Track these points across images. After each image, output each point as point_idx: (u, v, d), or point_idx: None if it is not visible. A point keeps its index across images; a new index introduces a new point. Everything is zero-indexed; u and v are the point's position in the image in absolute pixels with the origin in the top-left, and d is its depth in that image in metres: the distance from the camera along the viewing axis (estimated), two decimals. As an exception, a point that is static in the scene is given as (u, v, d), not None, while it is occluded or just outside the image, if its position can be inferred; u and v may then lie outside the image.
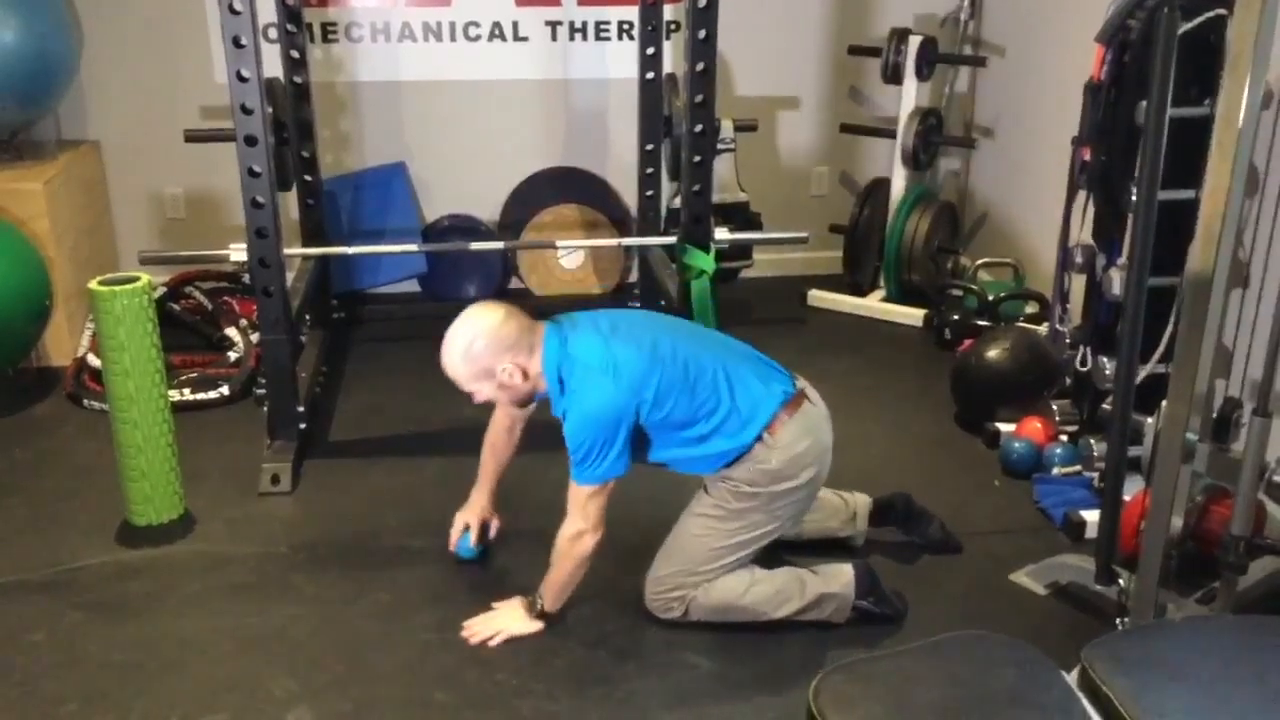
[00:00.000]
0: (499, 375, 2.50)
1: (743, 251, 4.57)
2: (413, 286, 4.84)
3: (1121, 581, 2.49)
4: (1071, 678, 1.80)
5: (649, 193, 4.45)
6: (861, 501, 2.94)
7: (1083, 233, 2.99)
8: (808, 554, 2.81)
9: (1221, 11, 2.61)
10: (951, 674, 1.78)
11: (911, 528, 2.94)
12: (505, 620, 2.63)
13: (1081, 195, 2.95)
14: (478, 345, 2.47)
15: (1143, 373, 2.84)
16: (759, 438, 2.53)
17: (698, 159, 3.55)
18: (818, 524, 2.89)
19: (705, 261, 3.62)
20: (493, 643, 2.59)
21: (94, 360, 3.83)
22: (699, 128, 3.51)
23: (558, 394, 2.51)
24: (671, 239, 3.84)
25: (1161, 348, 2.77)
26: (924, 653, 1.85)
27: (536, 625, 2.62)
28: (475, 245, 4.40)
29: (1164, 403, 2.33)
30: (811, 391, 2.68)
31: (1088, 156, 2.91)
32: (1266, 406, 2.23)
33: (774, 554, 2.74)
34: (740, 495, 2.56)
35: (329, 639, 2.63)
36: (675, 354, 2.52)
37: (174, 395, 3.67)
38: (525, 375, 2.51)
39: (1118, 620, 2.47)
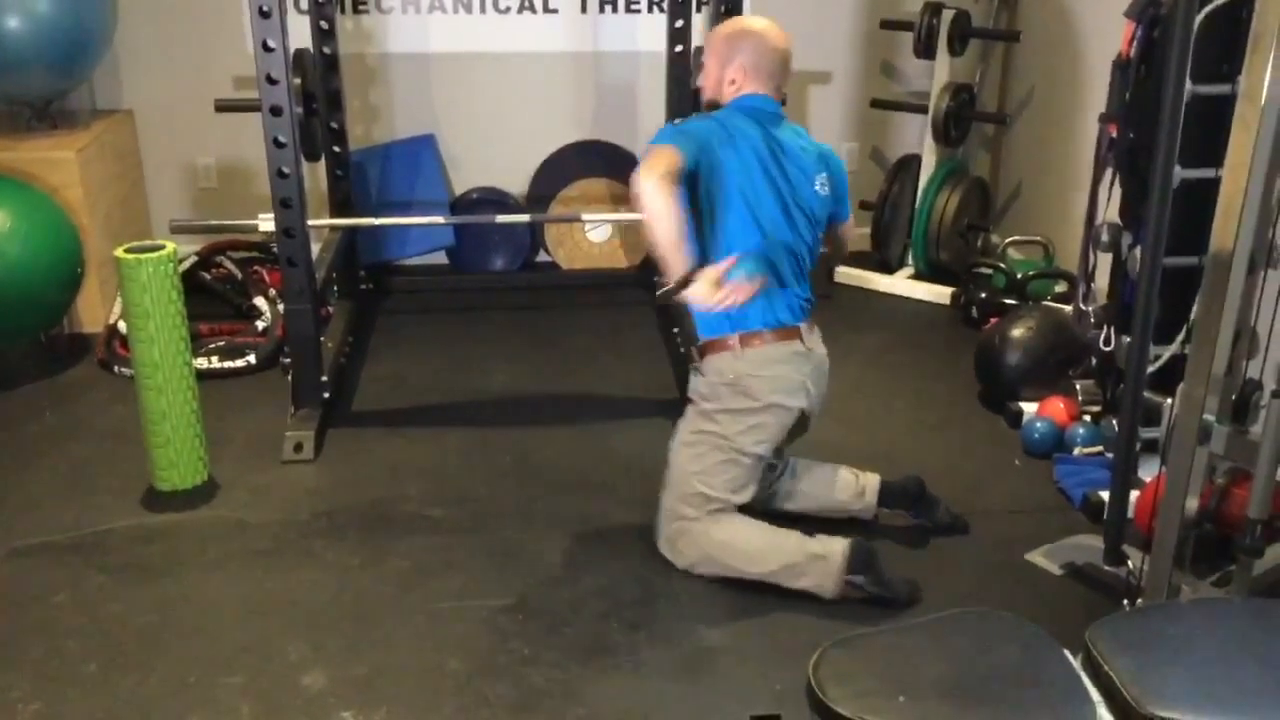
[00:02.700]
0: (727, 71, 2.70)
1: (770, 227, 4.54)
2: (440, 259, 4.86)
3: (1131, 563, 2.48)
4: (1077, 658, 1.79)
5: (676, 167, 4.43)
6: (872, 479, 2.94)
7: (1109, 211, 2.95)
8: (820, 529, 2.79)
9: (1254, -14, 2.56)
10: (953, 650, 1.77)
11: (920, 510, 2.94)
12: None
13: (1108, 173, 2.92)
14: (745, 41, 2.70)
15: (1166, 354, 2.81)
16: (731, 338, 2.64)
17: (722, 133, 3.54)
18: (827, 496, 2.91)
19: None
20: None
21: (124, 327, 3.87)
22: (723, 101, 3.49)
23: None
24: (696, 213, 3.82)
25: (1185, 329, 2.74)
26: (927, 629, 1.84)
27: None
28: (501, 218, 4.41)
29: (1181, 383, 2.30)
30: (813, 336, 2.73)
31: (1114, 133, 2.87)
32: (1287, 388, 2.20)
33: (782, 523, 2.76)
34: (703, 416, 2.71)
35: (345, 605, 2.67)
36: (774, 224, 2.63)
37: (201, 363, 3.73)
38: (736, 91, 2.70)
39: (1125, 601, 2.45)
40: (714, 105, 2.77)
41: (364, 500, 3.10)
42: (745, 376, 2.64)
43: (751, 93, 2.70)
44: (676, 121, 2.69)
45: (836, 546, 2.64)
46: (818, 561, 2.62)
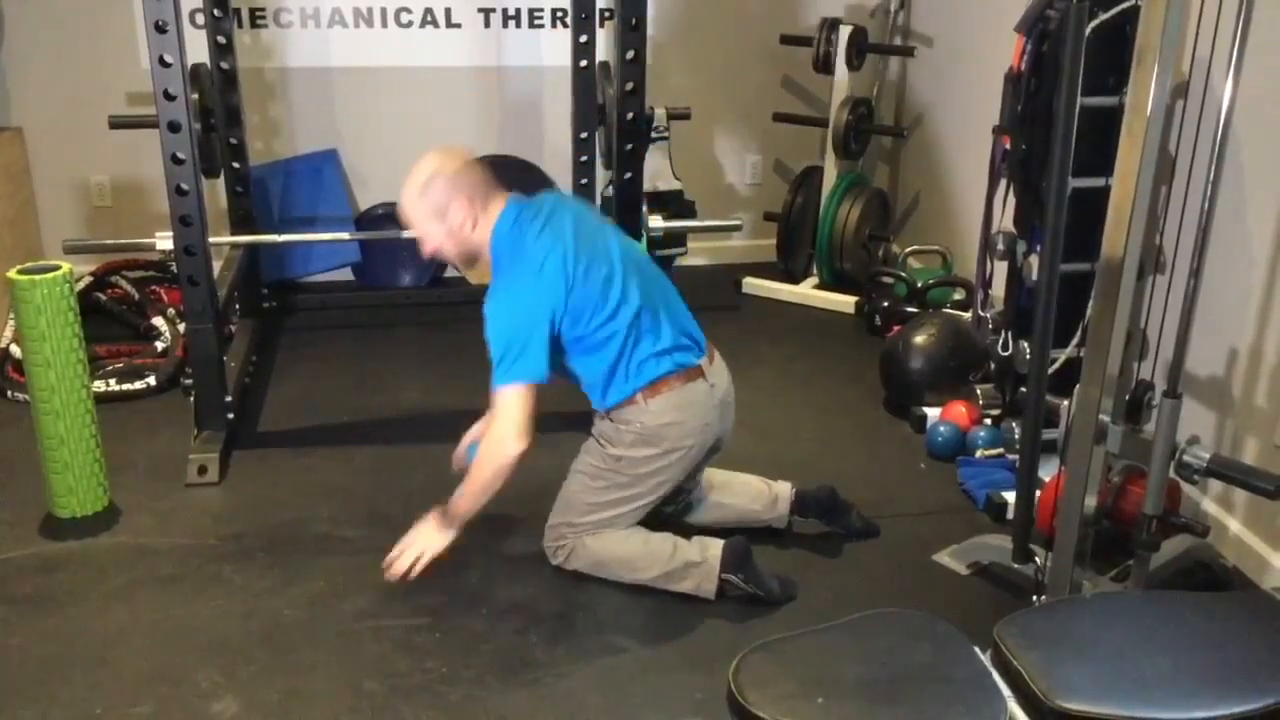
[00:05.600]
0: (450, 218, 2.55)
1: (677, 239, 4.59)
2: (346, 275, 4.80)
3: (1038, 560, 2.55)
4: (987, 654, 1.85)
5: (584, 181, 4.46)
6: (783, 488, 2.97)
7: (1004, 220, 3.04)
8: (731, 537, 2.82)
9: (1137, 2, 2.67)
10: (868, 651, 1.81)
11: (833, 519, 2.98)
12: (418, 539, 2.60)
13: (1003, 183, 3.01)
14: (436, 182, 2.54)
15: (1062, 357, 2.90)
16: (636, 395, 2.63)
17: (629, 147, 3.56)
18: (739, 508, 2.94)
19: (636, 248, 3.63)
20: (414, 572, 2.57)
21: (17, 351, 3.76)
22: (630, 115, 3.51)
23: (495, 271, 2.59)
24: (604, 226, 3.84)
25: (1080, 332, 2.83)
26: (842, 631, 1.88)
27: (448, 536, 2.59)
28: (408, 233, 4.34)
29: (1078, 385, 2.38)
30: (714, 369, 2.72)
31: (1008, 145, 2.96)
32: (1176, 388, 2.29)
33: (681, 531, 2.80)
34: (607, 458, 2.70)
35: (257, 629, 2.61)
36: (625, 294, 2.59)
37: (99, 386, 3.63)
38: (474, 226, 2.57)
39: (1034, 597, 2.52)
40: (472, 252, 2.64)
41: (273, 522, 3.05)
42: (651, 427, 2.64)
43: (499, 211, 2.60)
44: (510, 308, 2.50)
45: (713, 549, 2.69)
46: (694, 567, 2.68)
